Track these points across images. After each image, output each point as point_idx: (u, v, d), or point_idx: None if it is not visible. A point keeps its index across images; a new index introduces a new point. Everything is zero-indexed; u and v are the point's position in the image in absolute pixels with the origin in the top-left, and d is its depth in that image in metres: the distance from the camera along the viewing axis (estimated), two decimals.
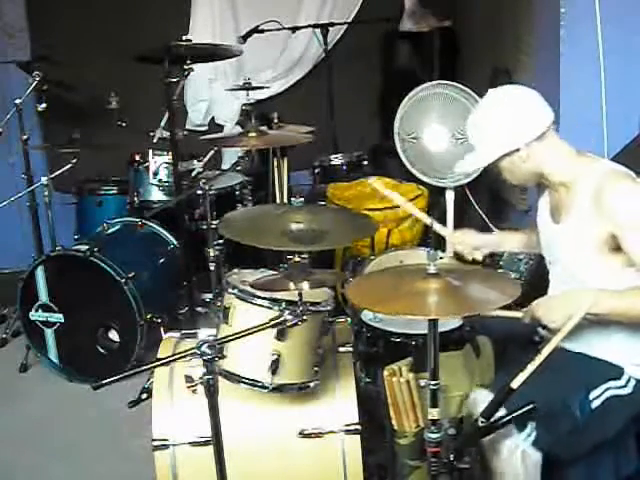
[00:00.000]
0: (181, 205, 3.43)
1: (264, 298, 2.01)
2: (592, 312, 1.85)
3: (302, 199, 2.18)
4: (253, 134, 2.94)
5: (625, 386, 1.99)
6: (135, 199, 3.61)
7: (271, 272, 2.21)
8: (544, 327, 2.02)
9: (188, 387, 1.67)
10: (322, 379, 2.13)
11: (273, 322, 1.88)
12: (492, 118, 2.01)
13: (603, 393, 1.96)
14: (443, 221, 3.48)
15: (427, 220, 2.54)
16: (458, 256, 2.48)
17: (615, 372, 2.00)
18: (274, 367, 2.01)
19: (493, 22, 4.28)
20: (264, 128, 3.11)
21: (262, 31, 4.21)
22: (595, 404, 1.95)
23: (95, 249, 3.25)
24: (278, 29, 4.26)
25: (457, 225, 3.43)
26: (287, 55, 4.85)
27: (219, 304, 2.15)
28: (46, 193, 3.59)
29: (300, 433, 2.11)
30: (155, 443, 2.10)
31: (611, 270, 1.95)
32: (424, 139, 3.36)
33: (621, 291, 1.92)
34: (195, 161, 3.57)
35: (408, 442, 2.11)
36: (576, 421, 1.93)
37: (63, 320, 3.34)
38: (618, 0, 3.02)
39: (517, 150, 1.98)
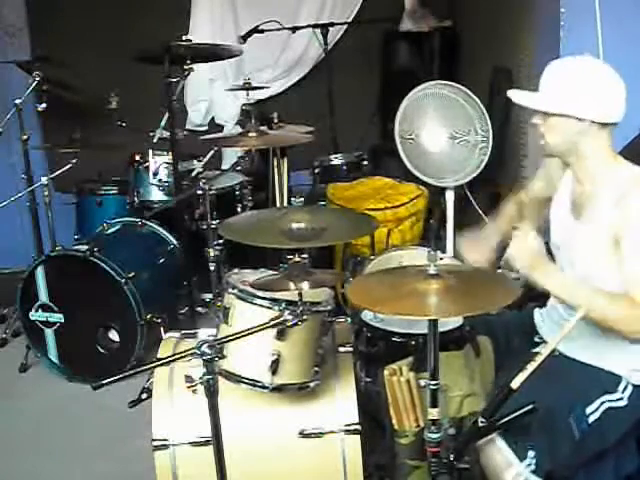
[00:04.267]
0: (181, 205, 3.44)
1: (264, 298, 2.01)
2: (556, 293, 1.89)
3: (302, 199, 2.18)
4: (253, 134, 2.94)
5: (621, 398, 1.98)
6: (135, 199, 3.61)
7: (271, 272, 2.21)
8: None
9: (188, 387, 1.67)
10: (322, 379, 2.13)
11: (273, 322, 1.88)
12: (584, 79, 1.93)
13: (600, 407, 1.95)
14: (443, 221, 3.50)
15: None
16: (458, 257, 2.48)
17: (611, 383, 1.99)
18: (274, 367, 2.00)
19: (493, 22, 4.28)
20: (264, 128, 3.11)
21: (262, 31, 4.21)
22: (592, 419, 1.94)
23: (95, 249, 3.25)
24: (278, 29, 4.26)
25: (457, 225, 3.44)
26: (287, 55, 4.86)
27: (219, 304, 2.15)
28: (46, 193, 3.59)
29: (300, 433, 2.11)
30: (155, 443, 2.10)
31: (615, 274, 1.92)
32: (422, 139, 3.36)
33: (597, 290, 1.92)
34: (195, 161, 3.57)
35: (408, 442, 2.10)
36: (574, 439, 1.93)
37: (63, 320, 3.34)
38: (618, 0, 3.02)
39: (580, 120, 1.93)
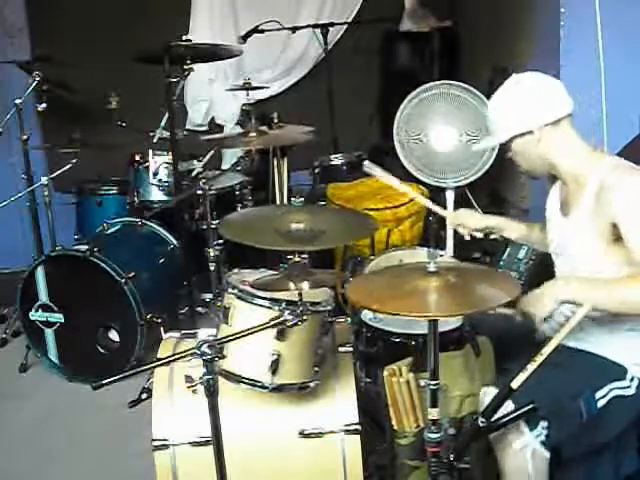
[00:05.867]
0: (181, 205, 3.43)
1: (264, 298, 2.01)
2: (578, 302, 1.85)
3: (302, 199, 2.18)
4: (253, 134, 2.94)
5: (629, 387, 1.99)
6: (135, 199, 3.61)
7: (271, 272, 2.21)
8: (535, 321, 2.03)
9: (188, 387, 1.67)
10: (322, 379, 2.13)
11: (273, 322, 1.88)
12: (510, 99, 2.06)
13: (608, 393, 1.97)
14: (443, 222, 3.49)
15: (427, 202, 2.57)
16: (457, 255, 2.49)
17: (619, 372, 2.00)
18: (274, 367, 2.00)
19: (493, 22, 4.28)
20: (264, 128, 3.11)
21: (262, 31, 4.21)
22: (601, 403, 1.96)
23: (95, 249, 3.25)
24: (278, 29, 4.26)
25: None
26: (287, 55, 4.86)
27: (219, 304, 2.15)
28: (46, 193, 3.60)
29: (300, 433, 2.11)
30: (155, 443, 2.10)
31: (614, 265, 1.95)
32: (431, 139, 3.37)
33: (608, 281, 1.92)
34: (195, 161, 3.57)
35: (408, 442, 2.11)
36: (582, 420, 1.94)
37: (63, 320, 3.34)
38: (618, 0, 3.02)
39: (530, 133, 2.01)
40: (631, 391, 1.99)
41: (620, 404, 1.97)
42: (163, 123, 3.52)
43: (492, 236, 2.45)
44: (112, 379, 1.61)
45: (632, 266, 1.89)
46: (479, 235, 2.43)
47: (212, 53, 3.59)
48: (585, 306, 1.78)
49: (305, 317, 1.91)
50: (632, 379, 2.00)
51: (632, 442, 2.08)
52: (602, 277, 1.95)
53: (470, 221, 2.43)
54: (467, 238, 2.44)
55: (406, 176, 3.61)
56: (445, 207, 3.51)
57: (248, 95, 3.30)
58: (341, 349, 2.28)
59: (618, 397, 1.97)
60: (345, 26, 4.72)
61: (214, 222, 3.19)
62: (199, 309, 3.50)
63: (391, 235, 3.53)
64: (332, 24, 4.44)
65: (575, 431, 1.95)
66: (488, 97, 3.40)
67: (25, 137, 3.58)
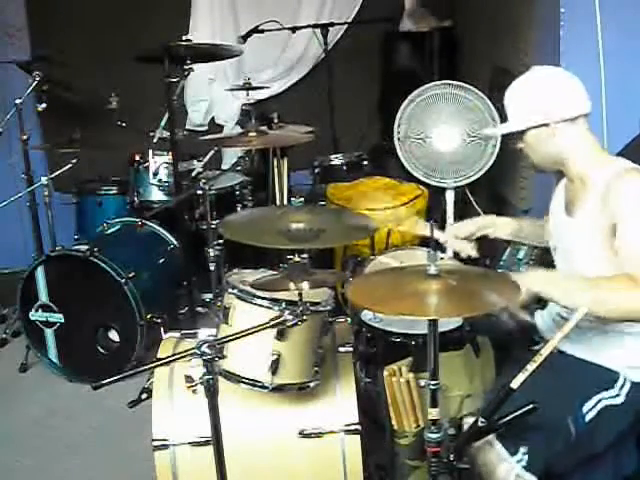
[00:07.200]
0: (181, 205, 3.44)
1: (264, 298, 2.01)
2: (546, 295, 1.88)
3: (302, 199, 2.18)
4: (253, 134, 2.94)
5: (618, 395, 1.98)
6: (135, 199, 3.62)
7: (271, 272, 2.21)
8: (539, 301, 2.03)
9: (188, 387, 1.67)
10: (322, 379, 2.13)
11: (273, 322, 1.88)
12: (529, 90, 2.06)
13: (597, 404, 1.95)
14: (443, 223, 3.50)
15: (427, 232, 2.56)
16: (458, 256, 2.49)
17: (608, 379, 1.99)
18: (274, 367, 2.00)
19: (493, 22, 4.28)
20: (264, 128, 3.12)
21: (262, 31, 4.21)
22: (589, 417, 1.94)
23: (95, 249, 3.25)
24: (278, 29, 4.26)
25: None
26: (287, 55, 4.86)
27: (219, 304, 2.15)
28: (46, 193, 3.60)
29: (300, 433, 2.11)
30: (155, 443, 2.10)
31: (613, 267, 1.94)
32: (432, 140, 3.37)
33: (588, 279, 1.92)
34: (195, 161, 3.57)
35: (408, 442, 2.11)
36: (571, 437, 1.93)
37: (63, 320, 3.34)
38: (618, 0, 3.02)
39: (545, 126, 2.01)
40: (620, 399, 1.97)
41: (610, 414, 1.95)
42: (163, 123, 3.53)
43: (484, 233, 2.44)
44: (112, 379, 1.61)
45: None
46: (474, 253, 2.40)
47: (212, 53, 3.59)
48: (583, 307, 1.77)
49: (305, 317, 1.91)
50: (622, 386, 1.98)
51: (631, 443, 2.07)
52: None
53: (461, 230, 2.42)
54: (474, 255, 2.41)
55: (407, 176, 3.63)
56: (445, 207, 3.52)
57: (248, 95, 3.30)
58: (341, 349, 2.28)
59: (607, 407, 1.96)
60: (345, 26, 4.73)
61: (214, 222, 3.19)
62: (199, 309, 3.50)
63: (391, 235, 3.53)
64: (332, 24, 4.44)
65: (562, 450, 1.93)
66: (488, 97, 3.43)
67: (25, 137, 3.58)
